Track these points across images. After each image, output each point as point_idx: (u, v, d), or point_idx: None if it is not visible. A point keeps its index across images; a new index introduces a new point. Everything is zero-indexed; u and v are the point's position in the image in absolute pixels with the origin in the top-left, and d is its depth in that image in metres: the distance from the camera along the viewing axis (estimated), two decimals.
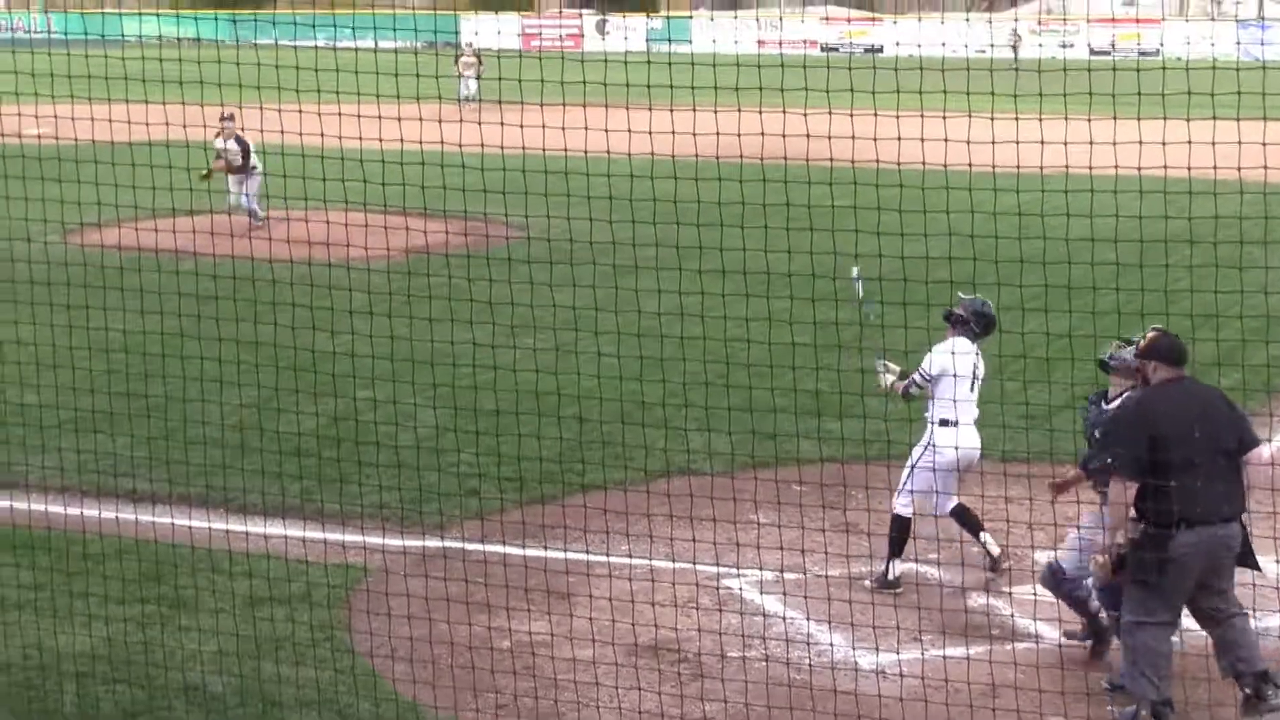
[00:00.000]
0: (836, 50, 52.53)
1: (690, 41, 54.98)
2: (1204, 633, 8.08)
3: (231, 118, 21.37)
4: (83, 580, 9.26)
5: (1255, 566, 8.04)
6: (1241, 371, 11.73)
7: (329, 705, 8.05)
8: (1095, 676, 8.38)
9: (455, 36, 50.20)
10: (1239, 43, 52.60)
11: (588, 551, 9.68)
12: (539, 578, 9.31)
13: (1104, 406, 8.45)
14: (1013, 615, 9.21)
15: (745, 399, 11.27)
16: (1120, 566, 7.90)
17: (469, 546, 10.06)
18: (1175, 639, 7.97)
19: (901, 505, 9.65)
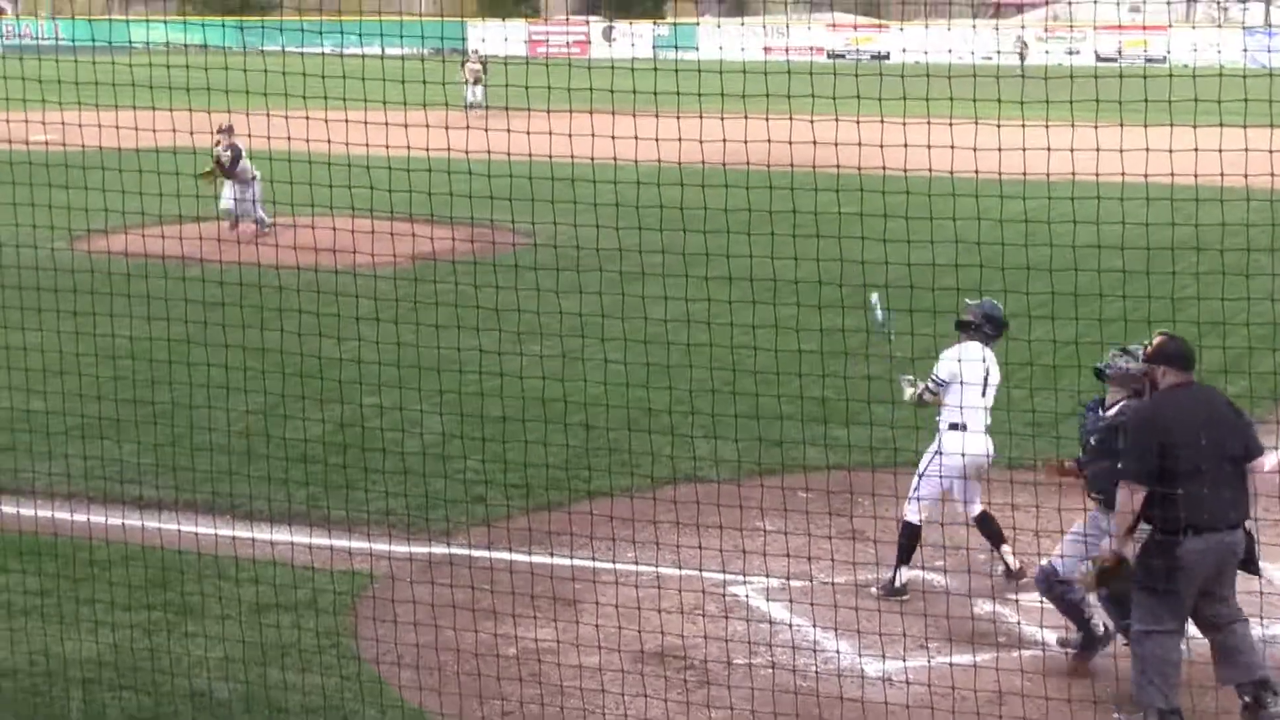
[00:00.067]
0: (843, 57, 52.61)
1: (697, 48, 55.01)
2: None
3: (230, 129, 21.34)
4: (89, 586, 9.27)
5: (1256, 572, 8.03)
6: (1248, 379, 11.71)
7: (335, 712, 8.05)
8: (1102, 685, 8.36)
9: (462, 43, 50.25)
10: (1246, 49, 52.61)
11: (594, 558, 9.68)
12: (545, 585, 9.30)
13: (1100, 414, 8.44)
14: (1019, 622, 9.19)
15: (752, 406, 11.26)
16: (1105, 578, 7.89)
17: (475, 553, 10.05)
18: (1183, 647, 7.95)
19: (911, 512, 9.63)
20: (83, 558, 9.68)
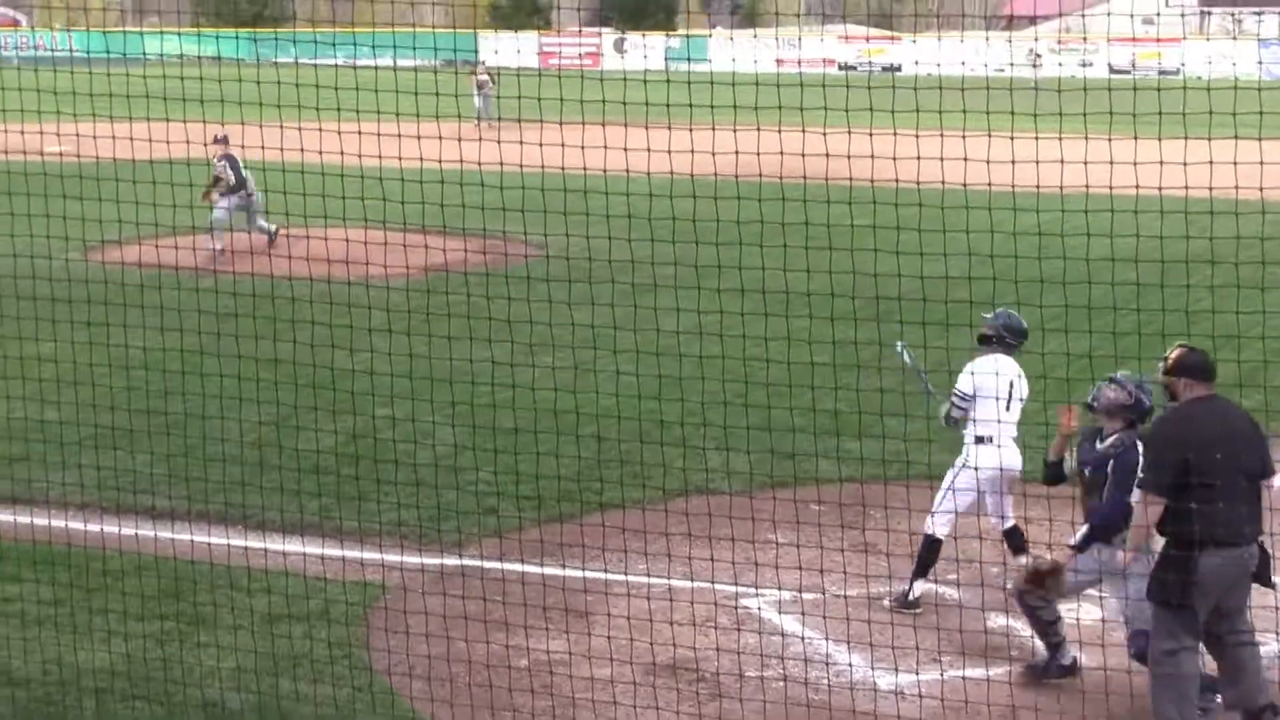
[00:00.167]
0: (854, 69, 52.58)
1: (709, 60, 55.06)
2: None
3: (225, 139, 20.85)
4: (102, 596, 9.28)
5: (1268, 583, 7.99)
6: (1263, 393, 11.67)
7: None
8: (1118, 700, 8.32)
9: (474, 55, 50.36)
10: (1261, 62, 52.54)
11: (606, 570, 9.67)
12: (557, 596, 9.29)
13: (1098, 445, 8.39)
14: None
15: (764, 418, 11.25)
16: (1037, 579, 8.11)
17: (487, 565, 10.05)
18: (1201, 662, 7.92)
19: (937, 526, 9.57)
20: (95, 567, 9.70)
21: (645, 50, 62.32)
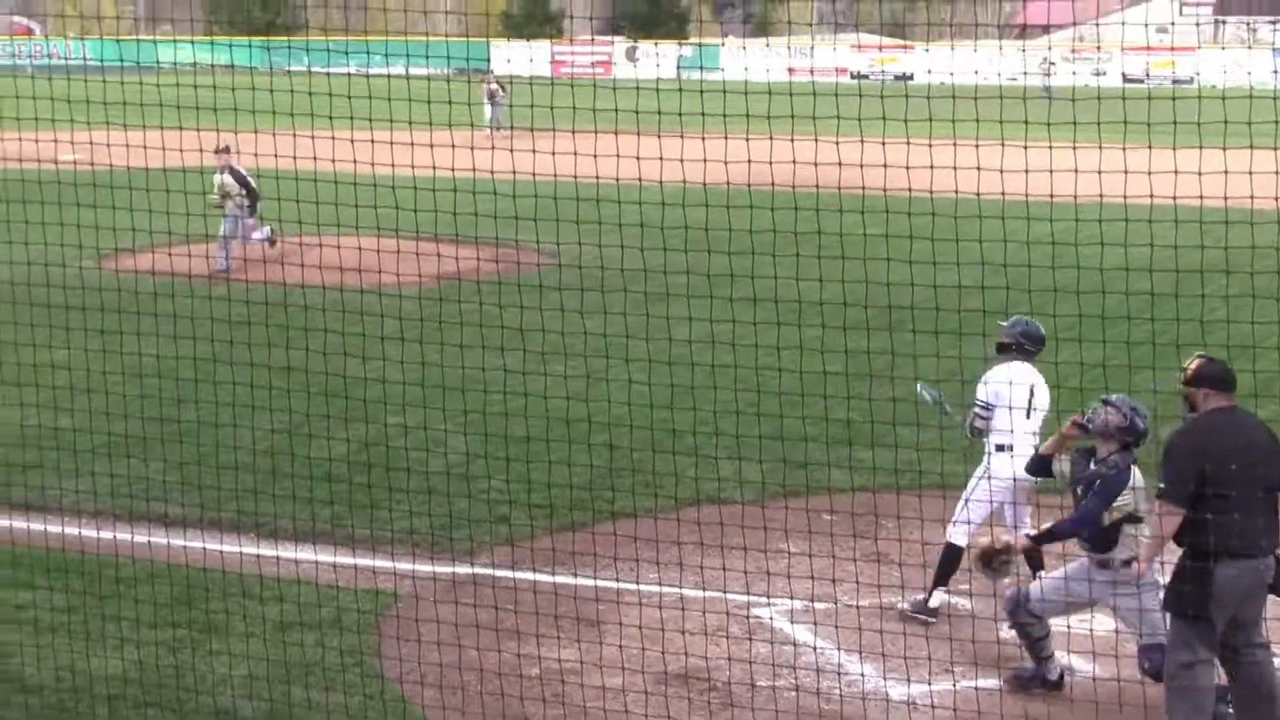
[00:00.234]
0: (867, 78, 52.57)
1: (721, 69, 55.11)
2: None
3: (227, 149, 20.39)
4: (115, 604, 9.29)
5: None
6: (1279, 403, 11.63)
7: None
8: (1131, 711, 8.29)
9: (486, 64, 50.44)
10: (1276, 71, 52.37)
11: (618, 579, 9.65)
12: (569, 605, 9.28)
13: (1093, 465, 8.35)
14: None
15: (776, 427, 11.23)
16: (985, 558, 8.47)
17: (499, 573, 10.04)
18: (1216, 675, 7.88)
19: (958, 535, 9.55)
20: (109, 575, 9.71)
21: (657, 59, 62.41)
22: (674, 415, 10.78)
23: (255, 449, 11.65)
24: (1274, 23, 61.80)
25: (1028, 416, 9.49)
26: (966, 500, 9.54)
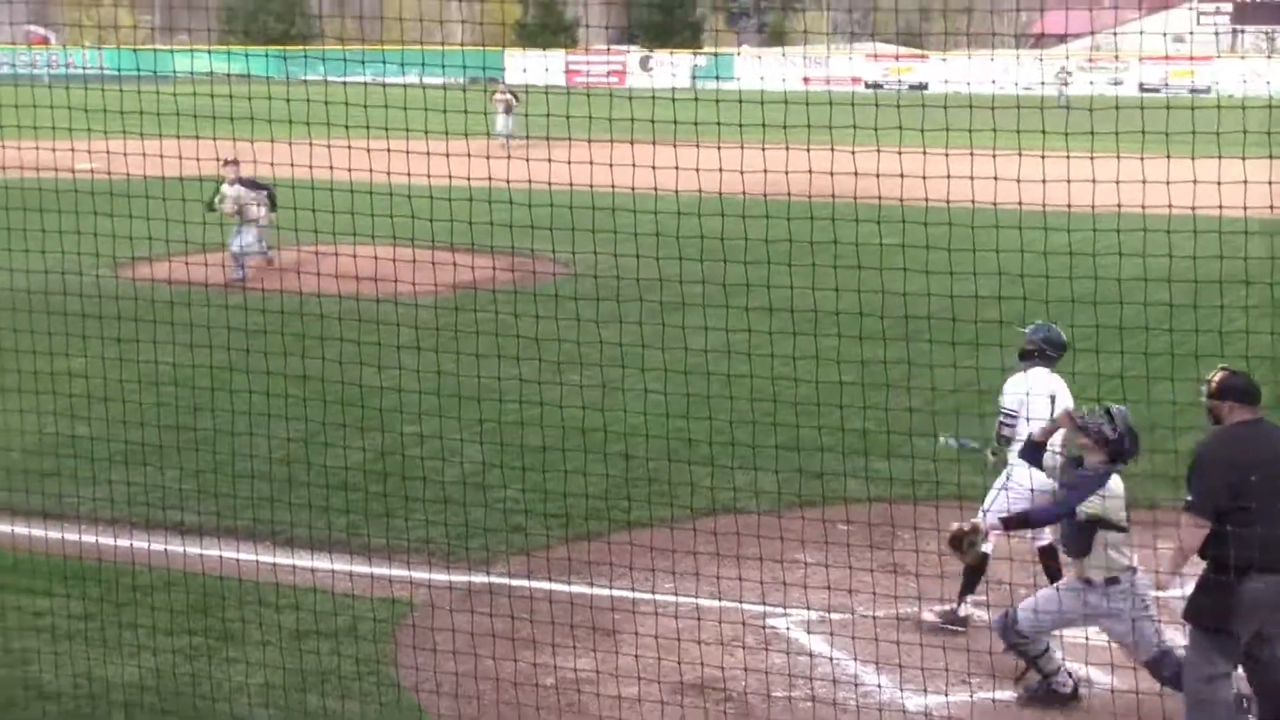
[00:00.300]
0: (882, 88, 52.50)
1: (736, 78, 55.10)
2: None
3: (235, 161, 20.31)
4: (131, 611, 9.31)
5: None
6: None
7: None
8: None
9: (501, 73, 50.51)
10: None
11: (633, 589, 9.64)
12: (584, 614, 9.27)
13: (1082, 472, 8.30)
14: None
15: (792, 437, 11.21)
16: (957, 542, 8.89)
17: (514, 582, 10.04)
18: (1236, 688, 7.83)
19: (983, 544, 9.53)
20: (125, 583, 9.73)
21: (672, 68, 62.45)
22: (689, 425, 10.76)
23: (271, 457, 11.67)
24: None
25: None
26: (985, 512, 9.51)
